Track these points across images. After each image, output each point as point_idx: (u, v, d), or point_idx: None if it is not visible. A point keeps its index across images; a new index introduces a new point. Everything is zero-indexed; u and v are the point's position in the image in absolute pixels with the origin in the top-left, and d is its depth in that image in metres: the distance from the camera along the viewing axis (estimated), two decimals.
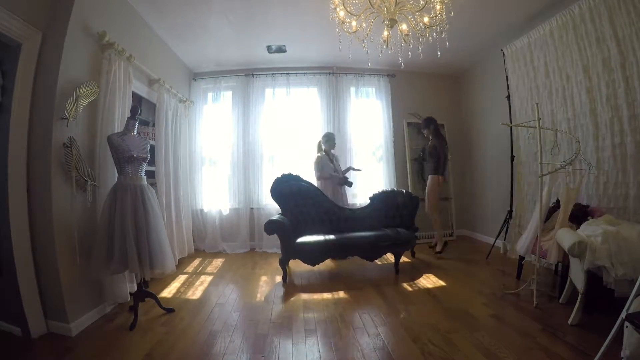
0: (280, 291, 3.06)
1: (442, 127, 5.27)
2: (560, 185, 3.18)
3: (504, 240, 3.98)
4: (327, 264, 3.84)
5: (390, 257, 4.15)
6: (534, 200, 3.52)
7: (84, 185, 2.38)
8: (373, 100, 5.11)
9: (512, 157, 3.89)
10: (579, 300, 2.15)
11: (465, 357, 1.86)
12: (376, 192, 4.16)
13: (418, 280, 3.22)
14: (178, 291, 3.08)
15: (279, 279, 3.39)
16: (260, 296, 2.96)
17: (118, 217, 2.27)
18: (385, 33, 2.39)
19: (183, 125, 4.28)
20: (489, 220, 4.77)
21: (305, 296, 2.91)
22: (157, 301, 2.58)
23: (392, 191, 4.18)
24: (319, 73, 4.94)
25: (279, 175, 3.94)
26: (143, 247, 2.29)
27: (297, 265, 3.84)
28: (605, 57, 2.70)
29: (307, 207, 3.86)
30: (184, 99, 4.33)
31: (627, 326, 1.45)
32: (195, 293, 3.04)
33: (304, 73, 4.92)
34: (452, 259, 3.98)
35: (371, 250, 3.45)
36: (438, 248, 4.23)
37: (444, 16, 2.38)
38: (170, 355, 1.96)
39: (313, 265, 3.37)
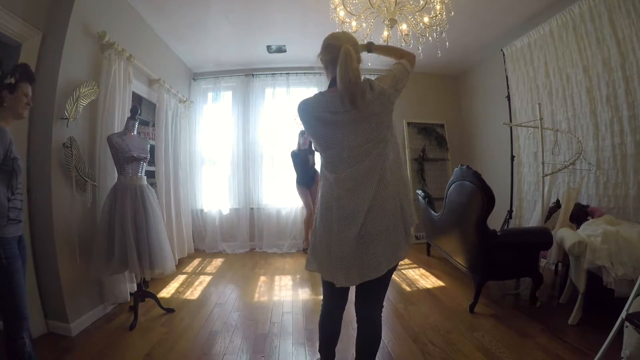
0: (280, 291, 3.06)
1: (441, 127, 5.29)
2: (560, 185, 3.18)
3: None
4: None
5: None
6: (534, 200, 3.52)
7: (84, 185, 2.38)
8: None
9: (512, 157, 3.89)
10: (579, 300, 2.15)
11: (465, 357, 1.86)
12: None
13: (417, 281, 3.22)
14: (178, 291, 3.08)
15: (278, 278, 3.39)
16: (260, 296, 2.96)
17: (118, 217, 2.27)
18: (385, 33, 2.39)
19: (183, 125, 4.28)
20: (488, 220, 4.75)
21: (304, 296, 2.91)
22: (157, 301, 2.58)
23: None
24: (319, 73, 4.92)
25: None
26: (143, 247, 2.29)
27: (297, 266, 3.85)
28: (605, 57, 2.71)
29: None
30: (184, 99, 4.33)
31: (627, 326, 1.44)
32: (195, 293, 3.04)
33: (304, 73, 4.92)
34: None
35: None
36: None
37: (444, 16, 2.38)
38: (170, 355, 1.96)
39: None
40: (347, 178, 1.29)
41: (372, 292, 1.38)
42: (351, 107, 1.25)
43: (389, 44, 1.72)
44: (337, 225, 1.29)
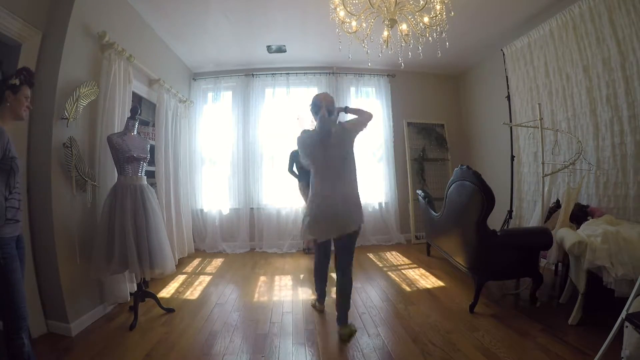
0: (280, 291, 3.06)
1: (441, 127, 5.29)
2: (560, 185, 3.18)
3: None
4: None
5: (389, 256, 4.16)
6: (534, 200, 3.52)
7: (84, 185, 2.38)
8: (373, 100, 5.11)
9: (512, 157, 3.89)
10: (579, 300, 2.15)
11: (465, 357, 1.86)
12: None
13: (417, 281, 3.22)
14: (178, 291, 3.08)
15: (278, 278, 3.39)
16: (260, 296, 2.96)
17: (118, 217, 2.27)
18: (385, 33, 2.39)
19: (183, 125, 4.28)
20: (488, 220, 4.75)
21: (304, 296, 2.91)
22: (157, 301, 2.58)
23: None
24: (319, 73, 4.93)
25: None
26: (143, 247, 2.29)
27: (297, 266, 3.86)
28: (605, 57, 2.71)
29: None
30: (184, 99, 4.33)
31: (627, 326, 1.44)
32: (195, 293, 3.04)
33: (304, 73, 4.92)
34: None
35: None
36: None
37: (444, 16, 2.38)
38: (170, 355, 1.96)
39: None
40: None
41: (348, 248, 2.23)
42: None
43: (359, 108, 2.42)
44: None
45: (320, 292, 2.56)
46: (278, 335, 2.20)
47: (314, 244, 2.55)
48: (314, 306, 2.61)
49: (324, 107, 2.19)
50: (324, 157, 2.17)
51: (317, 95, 2.31)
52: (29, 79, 1.58)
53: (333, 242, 2.25)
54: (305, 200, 4.29)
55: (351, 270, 2.22)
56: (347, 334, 2.08)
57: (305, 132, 2.27)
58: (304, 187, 4.08)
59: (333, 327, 2.30)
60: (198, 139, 4.87)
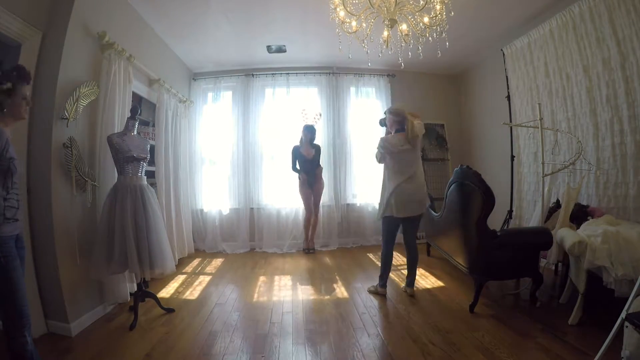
0: (280, 291, 3.06)
1: (441, 127, 5.29)
2: (560, 185, 3.18)
3: None
4: (326, 262, 3.84)
5: None
6: (534, 200, 3.52)
7: (84, 185, 2.38)
8: (373, 100, 5.11)
9: (512, 157, 3.89)
10: (579, 300, 2.15)
11: (465, 357, 1.86)
12: None
13: (417, 281, 3.21)
14: (178, 291, 3.08)
15: (278, 278, 3.39)
16: (260, 296, 2.96)
17: (118, 217, 2.27)
18: (385, 33, 2.39)
19: (183, 125, 4.28)
20: (488, 220, 4.75)
21: (304, 296, 2.91)
22: (157, 301, 2.58)
23: None
24: (319, 73, 4.93)
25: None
26: (143, 247, 2.29)
27: (296, 267, 3.86)
28: (605, 57, 2.71)
29: None
30: (184, 99, 4.33)
31: (627, 326, 1.44)
32: (195, 293, 3.04)
33: (304, 73, 4.92)
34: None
35: None
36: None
37: (444, 16, 2.38)
38: (170, 355, 1.96)
39: None
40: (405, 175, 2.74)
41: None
42: (410, 145, 2.71)
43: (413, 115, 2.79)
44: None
45: (387, 278, 2.88)
46: (278, 335, 2.20)
47: (385, 231, 2.86)
48: (375, 292, 2.88)
49: (407, 116, 2.74)
50: (402, 157, 2.73)
51: (398, 107, 2.86)
52: (23, 76, 1.52)
53: (402, 226, 2.86)
54: (304, 196, 4.32)
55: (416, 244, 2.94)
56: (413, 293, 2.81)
57: (392, 136, 2.80)
58: (304, 180, 4.38)
59: (333, 327, 2.31)
60: (198, 139, 4.87)
